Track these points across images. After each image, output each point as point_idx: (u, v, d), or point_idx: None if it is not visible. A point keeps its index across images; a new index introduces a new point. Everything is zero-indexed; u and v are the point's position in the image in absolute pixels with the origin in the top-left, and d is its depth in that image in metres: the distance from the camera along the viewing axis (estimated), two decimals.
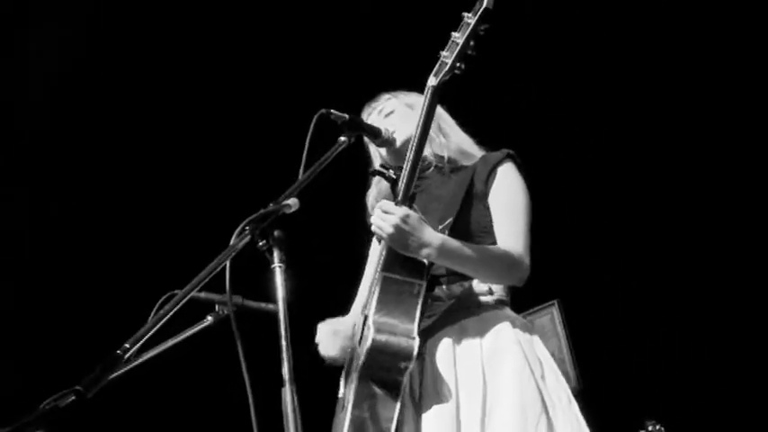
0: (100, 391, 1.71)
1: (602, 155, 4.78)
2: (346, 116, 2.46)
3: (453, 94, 2.48)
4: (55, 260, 4.83)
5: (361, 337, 2.43)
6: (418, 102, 2.70)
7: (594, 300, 4.58)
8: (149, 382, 3.20)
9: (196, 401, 4.91)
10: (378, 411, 2.25)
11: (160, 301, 2.50)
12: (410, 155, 2.34)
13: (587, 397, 2.75)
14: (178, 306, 1.94)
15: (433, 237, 2.31)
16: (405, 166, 2.35)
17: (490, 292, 2.49)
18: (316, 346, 2.62)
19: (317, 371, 2.58)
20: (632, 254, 4.69)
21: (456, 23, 2.30)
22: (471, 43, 2.26)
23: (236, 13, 4.89)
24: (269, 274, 2.09)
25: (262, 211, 2.09)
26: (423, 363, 2.38)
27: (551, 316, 4.30)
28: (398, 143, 2.62)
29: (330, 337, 2.61)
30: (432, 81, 2.32)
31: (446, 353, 2.37)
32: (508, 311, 2.51)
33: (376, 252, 2.77)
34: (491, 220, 2.53)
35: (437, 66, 2.31)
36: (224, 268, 2.02)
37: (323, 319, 2.73)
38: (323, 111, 2.43)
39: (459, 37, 2.24)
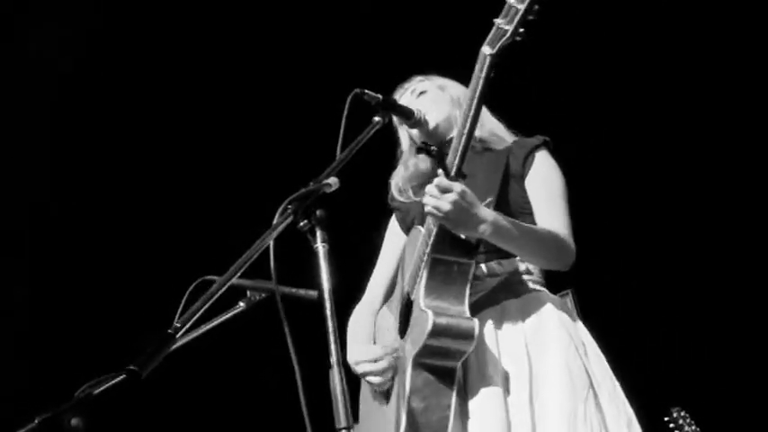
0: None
1: (606, 151, 4.75)
2: (380, 96, 2.40)
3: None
4: (61, 260, 4.78)
5: (404, 327, 2.38)
6: (450, 85, 2.71)
7: (610, 288, 4.54)
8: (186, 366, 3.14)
9: (225, 387, 4.87)
10: (434, 400, 2.21)
11: (192, 286, 2.47)
12: (465, 128, 2.19)
13: None
14: (224, 288, 1.88)
15: (488, 213, 2.26)
16: (458, 141, 2.22)
17: (529, 272, 2.46)
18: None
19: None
20: (650, 240, 4.66)
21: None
22: (535, 7, 2.11)
23: None
24: (296, 259, 2.05)
25: (302, 189, 2.01)
26: None
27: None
28: (431, 125, 2.59)
29: (368, 350, 2.53)
30: (486, 50, 2.16)
31: (489, 336, 2.33)
32: (549, 294, 2.48)
33: (397, 238, 2.72)
34: (528, 202, 2.50)
35: (492, 33, 2.15)
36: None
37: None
38: (357, 90, 2.37)
39: (518, 1, 2.10)
